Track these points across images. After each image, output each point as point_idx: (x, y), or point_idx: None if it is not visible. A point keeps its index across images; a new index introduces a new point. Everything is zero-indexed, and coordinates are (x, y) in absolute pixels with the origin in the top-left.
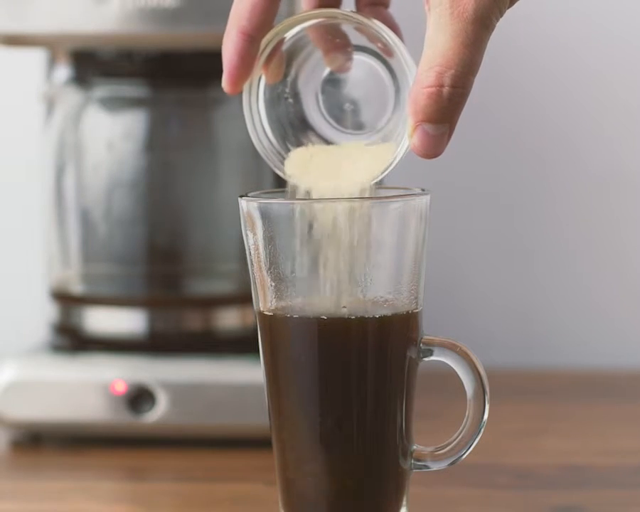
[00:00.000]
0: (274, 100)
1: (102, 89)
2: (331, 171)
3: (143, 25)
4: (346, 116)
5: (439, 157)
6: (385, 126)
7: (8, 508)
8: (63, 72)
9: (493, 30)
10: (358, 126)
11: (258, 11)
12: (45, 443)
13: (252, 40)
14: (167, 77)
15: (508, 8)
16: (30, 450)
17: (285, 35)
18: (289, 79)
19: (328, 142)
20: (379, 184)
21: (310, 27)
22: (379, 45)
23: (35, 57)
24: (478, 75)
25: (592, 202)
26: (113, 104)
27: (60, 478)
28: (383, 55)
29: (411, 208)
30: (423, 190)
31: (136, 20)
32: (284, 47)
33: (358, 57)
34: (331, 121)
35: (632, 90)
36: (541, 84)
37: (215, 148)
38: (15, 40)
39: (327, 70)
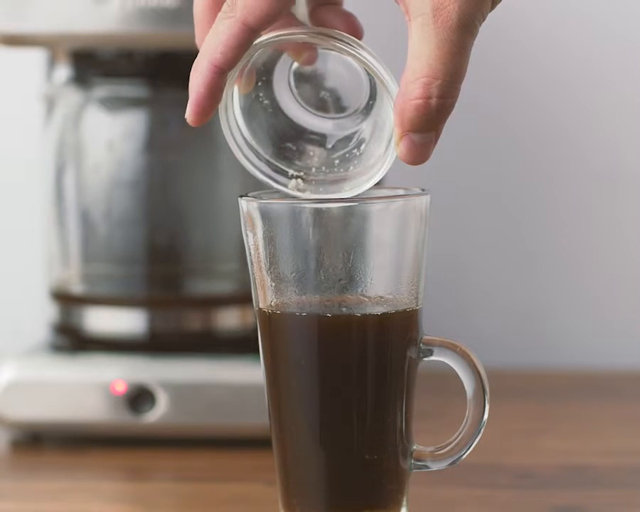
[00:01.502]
0: (251, 109)
1: (102, 89)
2: None
3: (143, 25)
4: (326, 103)
5: (440, 157)
6: (370, 112)
7: (8, 508)
8: (63, 72)
9: (477, 35)
10: (340, 110)
11: (232, 45)
12: (45, 443)
13: (221, 73)
14: (167, 77)
15: (490, 11)
16: (30, 450)
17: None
18: (261, 83)
19: (314, 133)
20: (378, 184)
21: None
22: None
23: (35, 57)
24: (480, 75)
25: (593, 202)
26: (113, 104)
27: (60, 478)
28: None
29: (411, 207)
30: (423, 190)
31: (136, 20)
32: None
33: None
34: (312, 110)
35: (635, 91)
36: (543, 84)
37: (215, 148)
38: (15, 40)
39: (296, 64)
